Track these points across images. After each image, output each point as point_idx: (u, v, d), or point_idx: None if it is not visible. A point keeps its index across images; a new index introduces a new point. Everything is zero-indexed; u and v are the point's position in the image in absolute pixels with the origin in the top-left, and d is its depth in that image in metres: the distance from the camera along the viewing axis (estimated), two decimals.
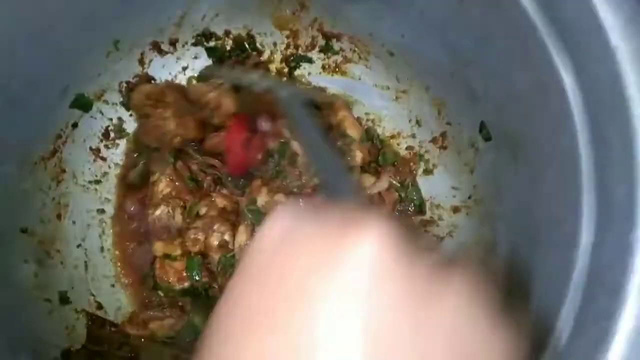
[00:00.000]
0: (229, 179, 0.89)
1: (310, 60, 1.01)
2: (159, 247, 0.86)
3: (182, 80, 1.00)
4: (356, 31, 0.95)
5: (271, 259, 0.39)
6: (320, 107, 0.95)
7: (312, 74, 1.02)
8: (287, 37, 1.00)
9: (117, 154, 0.98)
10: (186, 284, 0.85)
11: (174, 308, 0.87)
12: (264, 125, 0.90)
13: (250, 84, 0.85)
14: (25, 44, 0.76)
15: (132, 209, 0.94)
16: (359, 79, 1.00)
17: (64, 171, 0.92)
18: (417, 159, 0.97)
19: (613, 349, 0.46)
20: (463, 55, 0.82)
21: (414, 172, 0.97)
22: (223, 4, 0.94)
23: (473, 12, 0.74)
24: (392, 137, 0.99)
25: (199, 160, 0.92)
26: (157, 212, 0.88)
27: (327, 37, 0.98)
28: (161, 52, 0.98)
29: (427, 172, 0.97)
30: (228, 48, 1.00)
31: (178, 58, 0.99)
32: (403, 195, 0.95)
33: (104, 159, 0.96)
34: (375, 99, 0.99)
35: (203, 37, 0.98)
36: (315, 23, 0.97)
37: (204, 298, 0.86)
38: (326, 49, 1.00)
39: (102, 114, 0.96)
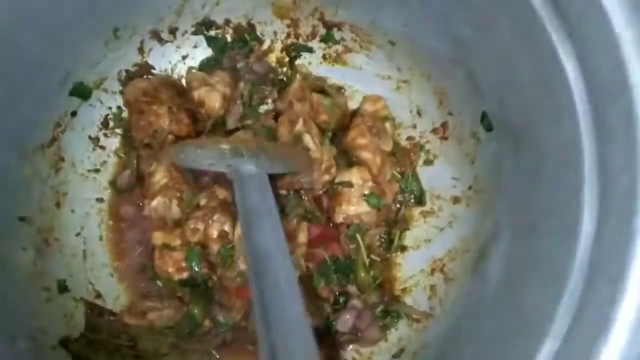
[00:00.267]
0: None
1: (310, 50, 1.01)
2: (158, 237, 0.86)
3: (181, 69, 0.99)
4: (357, 20, 0.95)
5: None
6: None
7: (312, 63, 1.01)
8: (288, 26, 0.99)
9: (116, 142, 0.97)
10: (185, 275, 0.85)
11: (172, 299, 0.87)
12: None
13: (216, 167, 0.79)
14: (26, 32, 0.76)
15: (126, 212, 0.94)
16: (360, 69, 1.00)
17: (63, 160, 0.92)
18: (417, 150, 0.97)
19: (614, 336, 0.46)
20: (465, 44, 0.81)
21: (414, 162, 0.96)
22: None
23: (475, 1, 0.74)
24: (393, 127, 0.99)
25: None
26: (154, 203, 0.88)
27: (328, 26, 0.98)
28: (161, 41, 0.97)
29: (428, 162, 0.96)
30: (228, 37, 0.99)
31: (178, 47, 0.99)
32: (403, 186, 0.95)
33: (103, 147, 0.96)
34: (376, 89, 0.98)
35: (203, 26, 0.97)
36: (316, 12, 0.96)
37: (202, 289, 0.86)
38: (327, 39, 0.99)
39: (102, 102, 0.95)
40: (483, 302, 0.77)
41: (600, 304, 0.50)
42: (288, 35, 1.00)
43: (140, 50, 0.96)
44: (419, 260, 0.93)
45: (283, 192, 0.84)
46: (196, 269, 0.83)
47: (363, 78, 1.00)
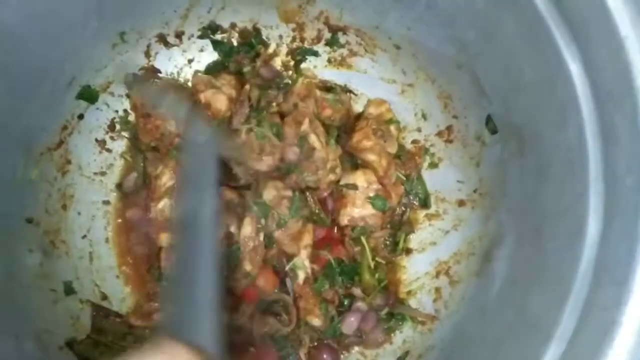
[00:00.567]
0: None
1: (316, 54, 1.01)
2: (165, 238, 0.86)
3: (187, 73, 1.00)
4: (362, 24, 0.95)
5: None
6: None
7: (317, 67, 1.01)
8: (293, 30, 0.99)
9: (122, 145, 0.98)
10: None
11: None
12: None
13: (168, 109, 0.80)
14: (33, 36, 0.77)
15: (132, 215, 0.94)
16: (365, 72, 1.00)
17: (69, 162, 0.92)
18: (422, 153, 0.97)
19: (620, 339, 0.46)
20: (469, 48, 0.82)
21: (419, 165, 0.96)
22: None
23: (480, 4, 0.74)
24: (397, 130, 0.99)
25: None
26: (160, 205, 0.88)
27: (333, 30, 0.98)
28: (167, 45, 0.97)
29: (433, 165, 0.96)
30: (234, 41, 1.00)
31: (184, 50, 0.99)
32: (408, 188, 0.95)
33: (109, 150, 0.97)
34: (381, 93, 0.99)
35: (209, 30, 0.98)
36: (321, 16, 0.96)
37: None
38: (332, 42, 0.99)
39: (108, 105, 0.96)
40: (488, 304, 0.77)
41: (606, 307, 0.50)
42: (293, 39, 1.00)
43: (147, 54, 0.97)
44: (424, 262, 0.93)
45: (288, 192, 0.84)
46: None
47: (368, 82, 1.00)
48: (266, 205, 0.83)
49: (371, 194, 0.88)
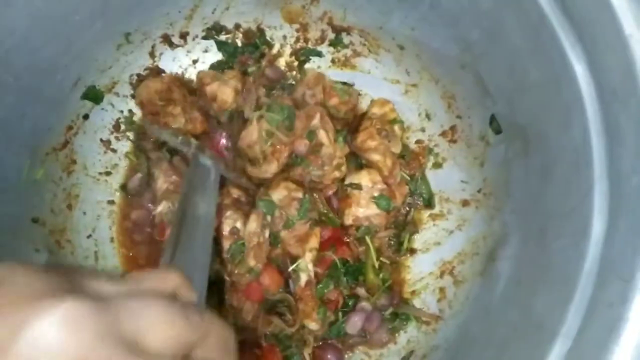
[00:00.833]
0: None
1: (319, 54, 1.01)
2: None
3: (192, 73, 1.00)
4: (366, 24, 0.95)
5: None
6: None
7: (321, 67, 1.02)
8: (297, 30, 1.00)
9: (127, 146, 0.98)
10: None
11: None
12: None
13: (176, 145, 0.86)
14: (40, 36, 0.77)
15: (137, 216, 0.95)
16: (369, 73, 1.01)
17: (74, 162, 0.93)
18: (426, 153, 0.97)
19: (626, 336, 0.46)
20: (474, 48, 0.82)
21: (423, 165, 0.97)
22: None
23: (484, 5, 0.75)
24: (402, 130, 0.99)
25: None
26: (160, 208, 0.89)
27: (337, 30, 0.98)
28: (172, 45, 0.98)
29: (437, 165, 0.96)
30: (238, 42, 1.00)
31: (188, 51, 1.00)
32: (412, 188, 0.95)
33: (114, 150, 0.97)
34: (384, 93, 0.99)
35: (213, 31, 0.98)
36: (325, 16, 0.97)
37: (213, 288, 0.86)
38: (336, 43, 1.00)
39: (113, 106, 0.96)
40: (492, 304, 0.77)
41: (611, 305, 0.50)
42: (297, 40, 1.01)
43: (152, 55, 0.97)
44: (428, 262, 0.93)
45: (299, 194, 0.85)
46: (210, 265, 0.84)
47: (372, 82, 1.00)
48: (272, 203, 0.83)
49: (376, 194, 0.89)
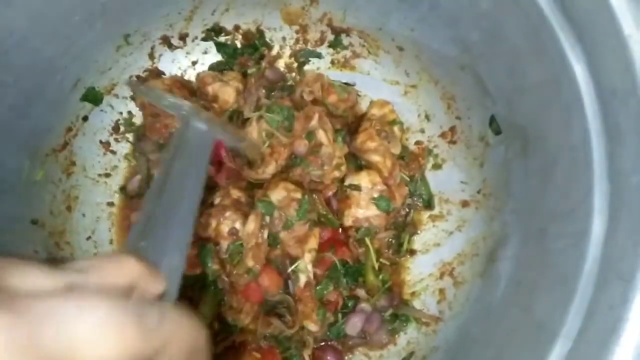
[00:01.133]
0: None
1: (319, 56, 1.02)
2: None
3: (191, 75, 1.00)
4: (365, 26, 0.95)
5: None
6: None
7: (321, 69, 1.02)
8: (297, 32, 1.00)
9: (126, 147, 0.98)
10: (198, 271, 0.85)
11: (182, 299, 0.87)
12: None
13: (168, 106, 0.77)
14: (39, 37, 0.77)
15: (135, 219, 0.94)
16: (368, 74, 1.01)
17: (74, 164, 0.93)
18: (425, 154, 0.97)
19: (627, 336, 0.46)
20: (473, 48, 0.82)
21: (423, 166, 0.97)
22: None
23: (483, 5, 0.75)
24: (401, 131, 0.99)
25: None
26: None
27: (337, 31, 0.98)
28: (171, 47, 0.98)
29: (436, 166, 0.96)
30: (238, 43, 1.00)
31: (188, 53, 1.00)
32: (412, 189, 0.95)
33: (113, 152, 0.97)
34: (384, 94, 0.99)
35: (213, 32, 0.98)
36: (324, 18, 0.97)
37: (212, 290, 0.86)
38: (335, 44, 1.00)
39: (112, 107, 0.96)
40: (492, 305, 0.77)
41: (612, 305, 0.50)
42: (297, 41, 1.01)
43: (151, 56, 0.97)
44: (428, 264, 0.93)
45: (298, 195, 0.84)
46: (209, 265, 0.84)
47: (371, 83, 1.00)
48: (271, 203, 0.83)
49: (375, 195, 0.88)
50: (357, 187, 0.89)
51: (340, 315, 0.88)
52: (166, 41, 0.97)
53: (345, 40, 0.99)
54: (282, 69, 1.01)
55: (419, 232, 0.95)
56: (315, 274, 0.86)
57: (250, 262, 0.81)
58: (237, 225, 0.83)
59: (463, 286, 0.87)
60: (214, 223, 0.83)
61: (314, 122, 0.86)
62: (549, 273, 0.63)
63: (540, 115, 0.71)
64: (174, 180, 0.62)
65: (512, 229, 0.78)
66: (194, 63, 1.00)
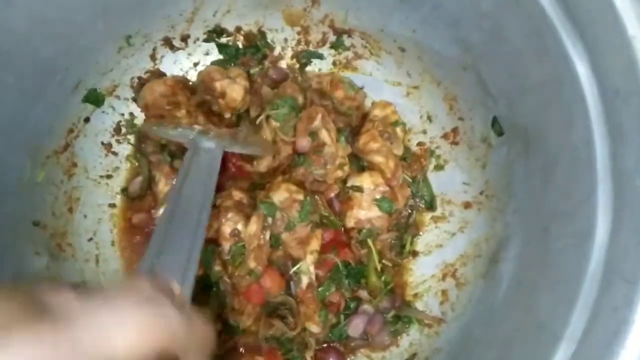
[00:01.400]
0: None
1: (321, 57, 1.01)
2: None
3: (193, 76, 1.00)
4: (367, 27, 0.95)
5: None
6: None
7: (322, 70, 1.01)
8: (298, 33, 1.00)
9: (128, 149, 0.98)
10: (200, 272, 0.85)
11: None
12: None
13: (177, 136, 0.85)
14: (41, 39, 0.77)
15: (139, 220, 0.94)
16: (370, 75, 1.00)
17: (75, 165, 0.93)
18: (427, 155, 0.97)
19: (632, 338, 0.46)
20: (475, 49, 0.82)
21: (425, 167, 0.96)
22: None
23: (485, 6, 0.74)
24: (403, 132, 0.99)
25: None
26: (161, 211, 0.88)
27: (338, 32, 0.98)
28: (173, 48, 0.98)
29: (438, 167, 0.96)
30: (239, 44, 1.00)
31: (189, 54, 1.00)
32: (414, 191, 0.95)
33: (115, 153, 0.97)
34: (386, 95, 0.99)
35: (214, 33, 0.98)
36: (326, 19, 0.97)
37: (215, 292, 0.86)
38: (337, 45, 1.00)
39: (114, 109, 0.96)
40: (495, 306, 0.76)
41: (616, 307, 0.50)
42: (298, 42, 1.01)
43: (153, 57, 0.97)
44: (431, 265, 0.92)
45: (300, 196, 0.84)
46: (211, 266, 0.84)
47: (373, 84, 1.00)
48: (273, 205, 0.83)
49: (378, 196, 0.88)
50: (360, 189, 0.88)
51: (342, 317, 0.88)
52: (168, 42, 0.97)
53: (347, 41, 0.99)
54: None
55: (421, 233, 0.95)
56: (317, 276, 0.86)
57: (252, 264, 0.81)
58: (239, 226, 0.83)
59: (465, 287, 0.87)
60: (215, 224, 0.83)
61: (317, 122, 0.86)
62: (551, 274, 0.63)
63: (542, 116, 0.71)
64: (183, 202, 0.70)
65: (514, 230, 0.78)
66: (196, 64, 1.00)
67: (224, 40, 0.99)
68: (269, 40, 1.00)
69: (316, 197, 0.88)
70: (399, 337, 0.89)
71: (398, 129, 0.94)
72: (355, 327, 0.87)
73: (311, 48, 1.01)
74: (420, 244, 0.95)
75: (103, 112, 0.95)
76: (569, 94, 0.62)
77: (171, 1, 0.91)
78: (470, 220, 0.91)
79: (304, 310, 0.84)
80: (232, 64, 0.99)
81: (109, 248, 0.94)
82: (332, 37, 0.99)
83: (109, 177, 0.96)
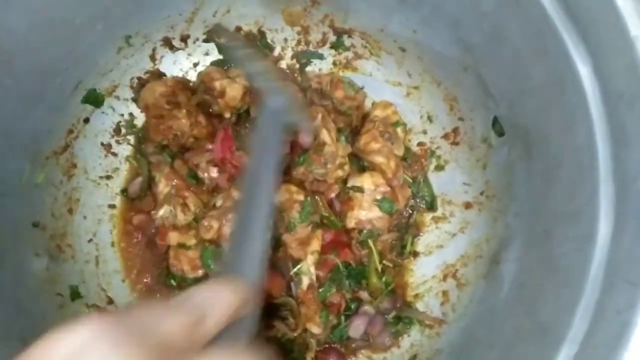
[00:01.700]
0: None
1: (321, 57, 1.01)
2: (173, 237, 0.87)
3: (193, 76, 0.99)
4: (367, 27, 0.95)
5: None
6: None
7: (323, 70, 1.01)
8: (298, 33, 1.00)
9: (128, 149, 0.98)
10: (200, 272, 0.85)
11: None
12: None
13: (257, 76, 0.80)
14: (40, 39, 0.77)
15: (139, 221, 0.94)
16: (370, 75, 1.00)
17: (75, 166, 0.92)
18: (428, 155, 0.96)
19: (635, 340, 0.46)
20: (475, 50, 0.81)
21: (425, 168, 0.96)
22: None
23: (485, 6, 0.74)
24: (404, 133, 0.99)
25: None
26: (161, 212, 0.89)
27: (338, 32, 0.98)
28: (172, 48, 0.98)
29: (439, 168, 0.96)
30: None
31: (189, 54, 0.99)
32: (414, 191, 0.95)
33: (115, 154, 0.97)
34: (386, 95, 0.98)
35: (214, 34, 0.98)
36: (326, 19, 0.97)
37: None
38: (337, 45, 0.99)
39: (114, 109, 0.96)
40: (496, 307, 0.76)
41: (619, 309, 0.50)
42: (298, 42, 1.00)
43: (152, 58, 0.97)
44: (431, 266, 0.92)
45: (300, 197, 0.84)
46: (212, 267, 0.84)
47: (373, 84, 0.99)
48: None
49: (378, 197, 0.88)
50: (360, 189, 0.88)
51: (343, 318, 0.88)
52: (167, 43, 0.97)
53: (347, 42, 0.99)
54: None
55: (421, 234, 0.95)
56: (317, 276, 0.86)
57: None
58: None
59: (466, 288, 0.87)
60: (216, 225, 0.83)
61: (317, 121, 0.86)
62: (553, 276, 0.63)
63: (543, 117, 0.71)
64: (253, 188, 0.68)
65: (515, 231, 0.78)
66: (196, 65, 1.00)
67: (223, 40, 0.99)
68: (268, 41, 1.00)
69: (316, 197, 0.88)
70: (399, 338, 0.89)
71: (399, 130, 0.93)
72: (356, 328, 0.87)
73: (311, 48, 1.01)
74: (420, 245, 0.95)
75: (103, 112, 0.95)
76: (571, 96, 0.62)
77: (171, 1, 0.91)
78: (471, 221, 0.91)
79: (304, 311, 0.84)
80: (231, 65, 0.98)
81: (109, 249, 0.94)
82: (332, 37, 0.99)
83: (108, 177, 0.96)
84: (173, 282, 0.89)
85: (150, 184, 0.94)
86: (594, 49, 0.58)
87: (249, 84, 0.88)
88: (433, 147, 0.97)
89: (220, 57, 0.99)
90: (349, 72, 1.01)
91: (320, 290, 0.86)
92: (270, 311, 0.86)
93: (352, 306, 0.89)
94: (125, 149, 0.97)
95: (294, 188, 0.85)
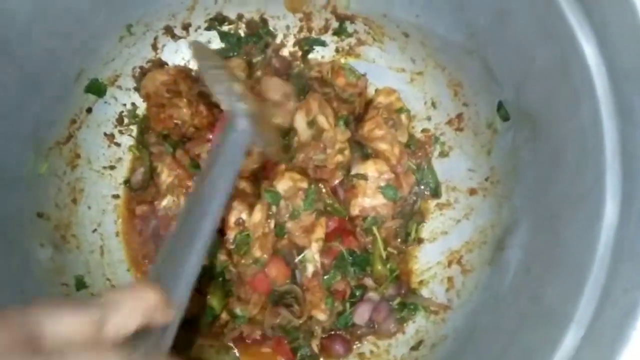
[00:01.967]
0: None
1: (323, 44, 1.00)
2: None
3: (194, 65, 0.99)
4: (370, 12, 0.94)
5: None
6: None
7: (325, 57, 1.00)
8: (300, 20, 0.99)
9: (130, 139, 0.97)
10: (205, 262, 0.85)
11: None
12: None
13: (225, 97, 0.75)
14: (43, 28, 0.77)
15: (142, 211, 0.94)
16: (374, 62, 0.99)
17: (78, 156, 0.92)
18: (432, 142, 0.96)
19: None
20: (480, 33, 0.81)
21: (430, 154, 0.96)
22: None
23: None
24: (408, 119, 0.98)
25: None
26: (164, 202, 0.89)
27: (341, 19, 0.97)
28: (174, 37, 0.97)
29: (443, 154, 0.95)
30: (241, 32, 0.99)
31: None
32: (419, 178, 0.94)
33: (118, 144, 0.96)
34: (390, 82, 0.98)
35: (216, 21, 0.97)
36: (328, 5, 0.96)
37: (221, 282, 0.86)
38: (340, 32, 0.99)
39: (116, 99, 0.96)
40: (502, 292, 0.76)
41: (627, 290, 0.49)
42: (301, 29, 1.00)
43: (154, 47, 0.96)
44: (436, 252, 0.92)
45: (304, 184, 0.84)
46: (217, 256, 0.84)
47: (376, 71, 0.99)
48: (277, 193, 0.83)
49: (382, 184, 0.88)
50: (364, 176, 0.88)
51: (348, 305, 0.88)
52: (169, 31, 0.96)
53: (349, 28, 0.98)
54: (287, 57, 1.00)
55: (426, 220, 0.95)
56: (322, 264, 0.85)
57: (257, 252, 0.81)
58: (244, 215, 0.82)
59: (471, 274, 0.86)
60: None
61: (314, 110, 0.85)
62: (560, 259, 0.62)
63: (549, 99, 0.70)
64: (202, 193, 0.67)
65: (521, 216, 0.77)
66: None
67: (225, 28, 0.98)
68: (270, 28, 0.99)
69: (320, 185, 0.88)
70: (405, 324, 0.89)
71: (402, 116, 0.93)
72: (361, 314, 0.87)
73: (314, 35, 1.00)
74: (425, 231, 0.94)
75: (105, 102, 0.95)
76: (577, 77, 0.61)
77: None
78: (476, 207, 0.90)
79: (309, 299, 0.84)
80: (234, 53, 0.98)
81: (113, 239, 0.94)
82: (334, 24, 0.98)
83: (112, 168, 0.96)
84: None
85: (152, 174, 0.94)
86: (599, 26, 0.57)
87: (218, 104, 0.86)
88: (437, 134, 0.96)
89: (222, 46, 0.99)
90: (351, 58, 1.00)
91: (325, 277, 0.86)
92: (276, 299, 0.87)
93: (357, 293, 0.88)
94: (128, 139, 0.97)
95: (297, 176, 0.84)
